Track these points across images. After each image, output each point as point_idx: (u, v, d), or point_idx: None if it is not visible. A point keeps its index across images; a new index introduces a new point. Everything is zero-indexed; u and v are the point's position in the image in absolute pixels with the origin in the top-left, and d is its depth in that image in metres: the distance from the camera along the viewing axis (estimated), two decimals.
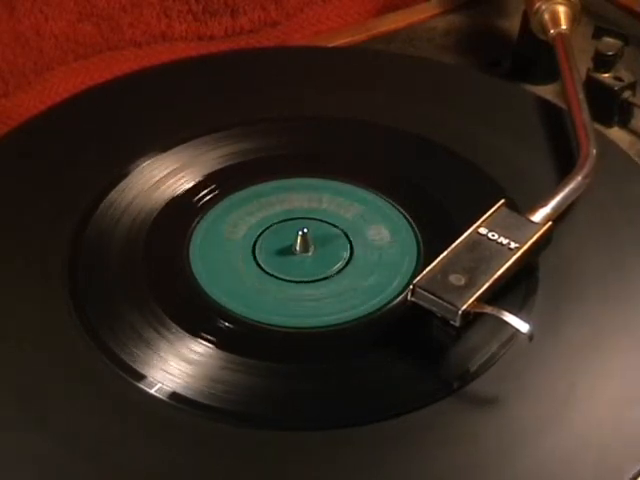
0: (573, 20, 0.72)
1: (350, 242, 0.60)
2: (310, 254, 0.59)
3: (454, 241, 0.56)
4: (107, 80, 0.72)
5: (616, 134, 0.71)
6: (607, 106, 0.71)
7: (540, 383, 0.52)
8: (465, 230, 0.56)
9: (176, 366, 0.53)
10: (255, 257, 0.59)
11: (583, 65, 0.71)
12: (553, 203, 0.59)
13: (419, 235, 0.61)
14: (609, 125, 0.71)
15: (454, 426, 0.51)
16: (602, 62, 0.71)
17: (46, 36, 0.76)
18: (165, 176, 0.64)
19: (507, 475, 0.49)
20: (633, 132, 0.71)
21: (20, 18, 0.75)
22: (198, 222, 0.61)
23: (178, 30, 0.81)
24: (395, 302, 0.56)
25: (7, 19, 0.74)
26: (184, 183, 0.64)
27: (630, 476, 0.49)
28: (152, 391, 0.52)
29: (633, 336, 0.55)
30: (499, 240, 0.56)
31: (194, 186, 0.63)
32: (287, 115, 0.68)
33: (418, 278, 0.54)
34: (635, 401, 0.52)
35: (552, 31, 0.71)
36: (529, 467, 0.49)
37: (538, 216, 0.58)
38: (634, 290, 0.57)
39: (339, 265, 0.59)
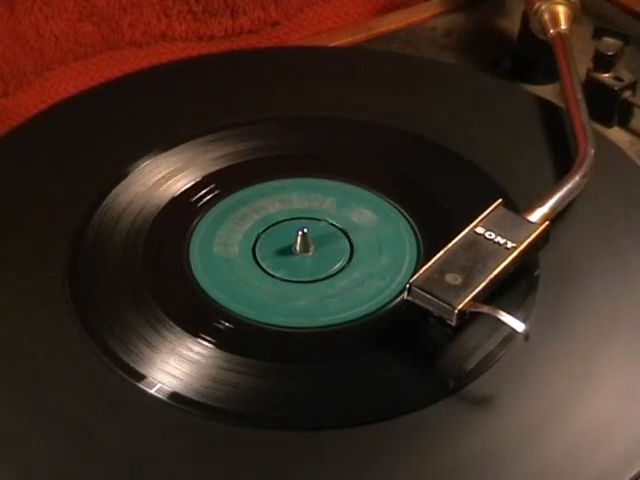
0: (573, 20, 0.72)
1: (350, 242, 0.60)
2: (310, 254, 0.59)
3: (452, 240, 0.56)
4: (107, 80, 0.73)
5: (616, 134, 0.71)
6: (607, 106, 0.71)
7: (539, 383, 0.53)
8: (462, 229, 0.56)
9: (176, 366, 0.53)
10: (255, 257, 0.59)
11: (583, 65, 0.71)
12: (551, 203, 0.59)
13: (419, 235, 0.61)
14: (609, 125, 0.71)
15: (452, 427, 0.51)
16: (602, 62, 0.71)
17: (46, 36, 0.76)
18: (165, 176, 0.64)
19: (506, 475, 0.49)
20: (633, 132, 0.71)
21: (20, 18, 0.75)
22: (198, 222, 0.61)
23: (178, 30, 0.81)
24: (395, 302, 0.57)
25: (7, 19, 0.74)
26: (184, 183, 0.64)
27: (630, 476, 0.49)
28: (152, 391, 0.52)
29: (633, 335, 0.55)
30: (496, 239, 0.56)
31: (194, 186, 0.63)
32: (287, 115, 0.68)
33: (414, 277, 0.54)
34: (635, 400, 0.52)
35: (552, 31, 0.71)
36: (527, 467, 0.49)
37: (535, 216, 0.58)
38: (633, 289, 0.57)
39: (339, 265, 0.59)
